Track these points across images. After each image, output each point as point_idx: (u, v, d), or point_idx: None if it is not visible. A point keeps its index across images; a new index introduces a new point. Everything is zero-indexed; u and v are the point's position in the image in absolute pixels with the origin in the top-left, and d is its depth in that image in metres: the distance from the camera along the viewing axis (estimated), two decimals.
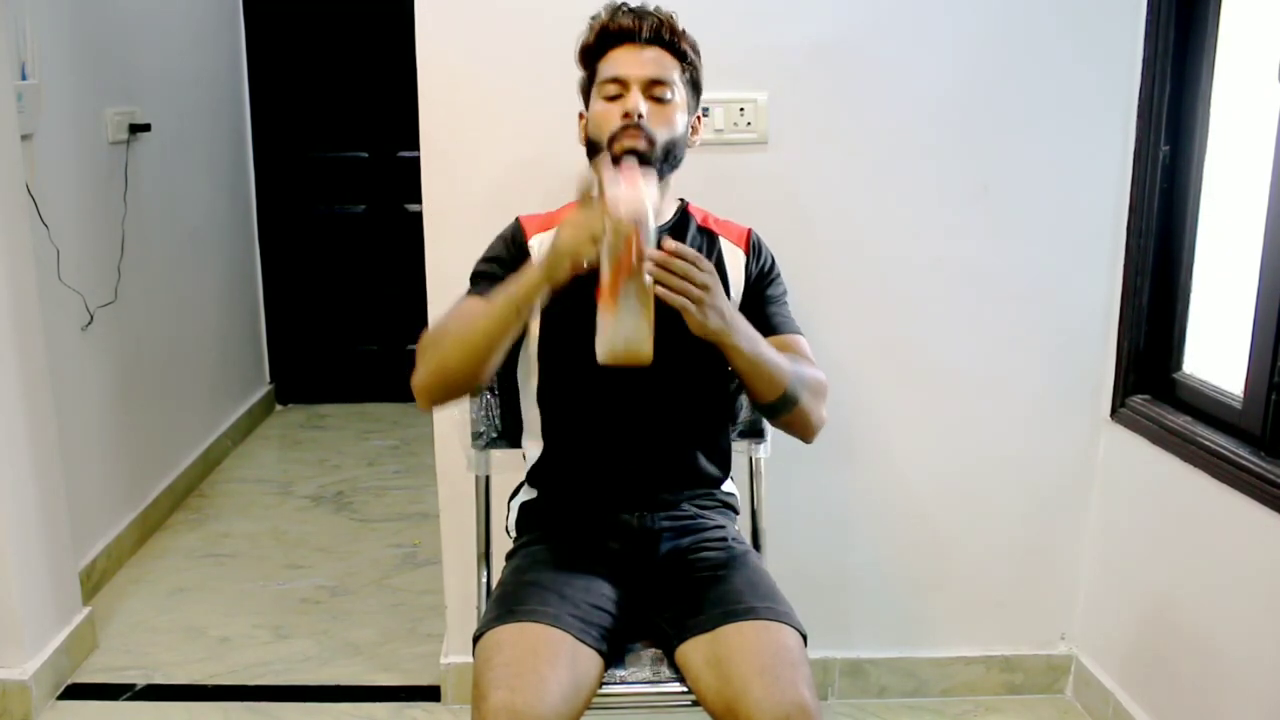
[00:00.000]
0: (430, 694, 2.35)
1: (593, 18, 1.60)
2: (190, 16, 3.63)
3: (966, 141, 2.08)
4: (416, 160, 2.09)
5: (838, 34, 2.02)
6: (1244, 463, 1.76)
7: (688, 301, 1.36)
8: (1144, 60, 2.02)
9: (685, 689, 1.50)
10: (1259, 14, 1.86)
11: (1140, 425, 2.06)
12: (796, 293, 2.13)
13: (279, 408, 4.40)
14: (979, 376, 2.19)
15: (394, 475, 3.66)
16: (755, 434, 1.81)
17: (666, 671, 1.54)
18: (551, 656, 1.40)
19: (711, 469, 1.70)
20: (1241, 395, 1.83)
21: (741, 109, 2.04)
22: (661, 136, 1.53)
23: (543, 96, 2.03)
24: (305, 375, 4.40)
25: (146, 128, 3.11)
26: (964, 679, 2.34)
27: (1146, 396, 2.10)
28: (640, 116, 1.51)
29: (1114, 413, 2.16)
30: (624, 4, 1.60)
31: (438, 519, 2.24)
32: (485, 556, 1.78)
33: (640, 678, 1.55)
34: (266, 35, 4.09)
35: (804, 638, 1.48)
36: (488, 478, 1.80)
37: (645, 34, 1.55)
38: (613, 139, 1.52)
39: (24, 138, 2.37)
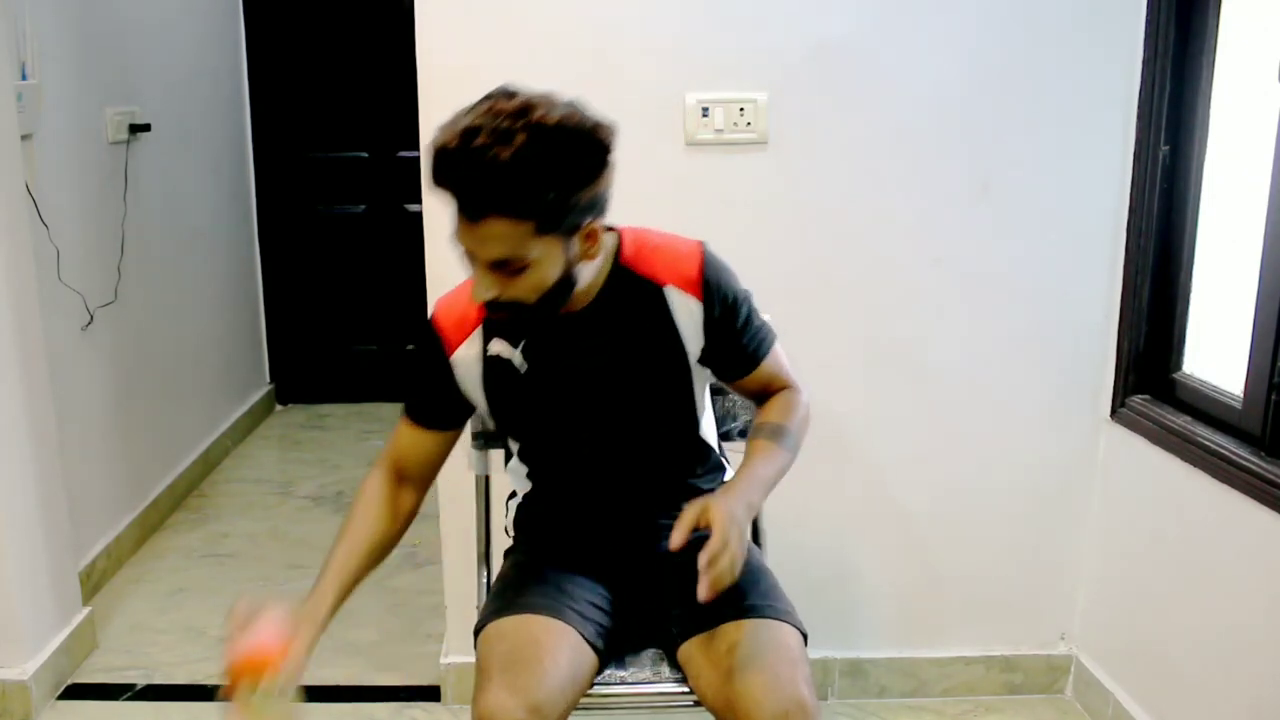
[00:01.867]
0: (430, 694, 2.35)
1: (429, 146, 1.25)
2: (190, 16, 3.63)
3: (966, 141, 2.08)
4: (416, 160, 2.08)
5: (838, 34, 2.02)
6: (1244, 463, 1.76)
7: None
8: (1144, 60, 2.02)
9: (686, 689, 1.50)
10: (1259, 14, 1.86)
11: (1140, 425, 2.06)
12: (796, 293, 2.14)
13: (279, 408, 4.40)
14: (979, 376, 2.19)
15: None
16: None
17: (667, 671, 1.55)
18: (553, 646, 1.42)
19: (702, 481, 1.63)
20: (1241, 395, 1.83)
21: (741, 109, 2.04)
22: (528, 299, 1.32)
23: None
24: (305, 375, 4.40)
25: (146, 128, 3.11)
26: (964, 679, 2.34)
27: (1146, 396, 2.10)
28: (491, 302, 1.32)
29: (1114, 413, 2.16)
30: (455, 148, 1.22)
31: (438, 519, 2.24)
32: (485, 556, 1.78)
33: (641, 677, 1.55)
34: (266, 35, 4.09)
35: (804, 636, 1.48)
36: (487, 478, 1.80)
37: (475, 211, 1.25)
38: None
39: (24, 138, 2.37)
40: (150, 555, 3.05)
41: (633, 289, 1.45)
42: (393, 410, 4.58)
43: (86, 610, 2.52)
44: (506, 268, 1.29)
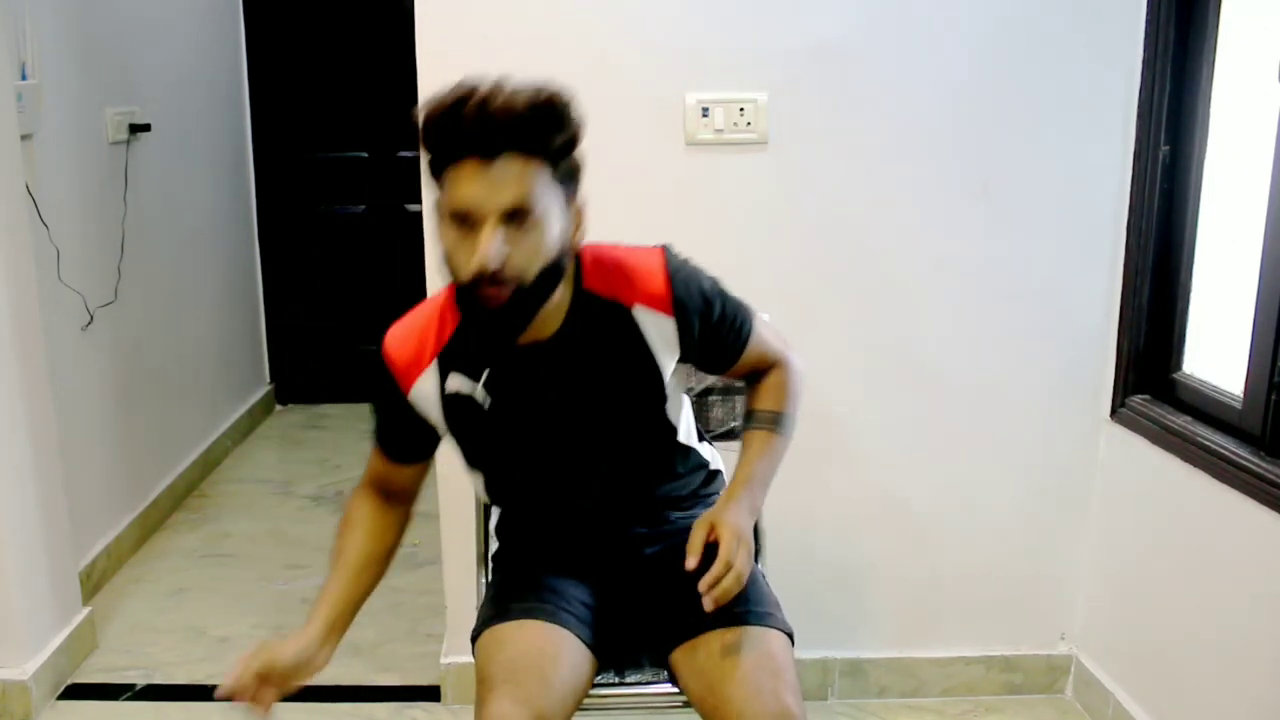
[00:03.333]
0: (430, 694, 2.35)
1: (425, 110, 1.26)
2: (190, 16, 3.63)
3: (966, 141, 2.08)
4: (416, 160, 2.08)
5: (838, 34, 2.02)
6: (1244, 463, 1.76)
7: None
8: (1144, 60, 2.02)
9: (679, 689, 1.50)
10: (1259, 14, 1.86)
11: (1140, 425, 2.06)
12: (796, 293, 2.14)
13: (279, 408, 4.40)
14: (979, 376, 2.19)
15: None
16: None
17: (665, 672, 1.54)
18: (553, 653, 1.41)
19: (680, 486, 1.59)
20: (1241, 395, 1.83)
21: (741, 109, 2.04)
22: (531, 270, 1.26)
23: None
24: (305, 375, 4.40)
25: (146, 128, 3.11)
26: (964, 679, 2.34)
27: (1146, 396, 2.10)
28: (498, 270, 1.23)
29: (1114, 413, 2.16)
30: (461, 97, 1.23)
31: (438, 519, 2.24)
32: (485, 556, 1.78)
33: (639, 679, 1.55)
34: (266, 35, 4.09)
35: (790, 637, 1.47)
36: None
37: (497, 145, 1.22)
38: (470, 288, 1.26)
39: (24, 138, 2.37)
40: (150, 555, 3.05)
41: (598, 313, 1.39)
42: None
43: (86, 610, 2.52)
44: (517, 218, 1.24)
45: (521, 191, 1.23)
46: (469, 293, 1.27)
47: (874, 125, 2.07)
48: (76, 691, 2.37)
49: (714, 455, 1.68)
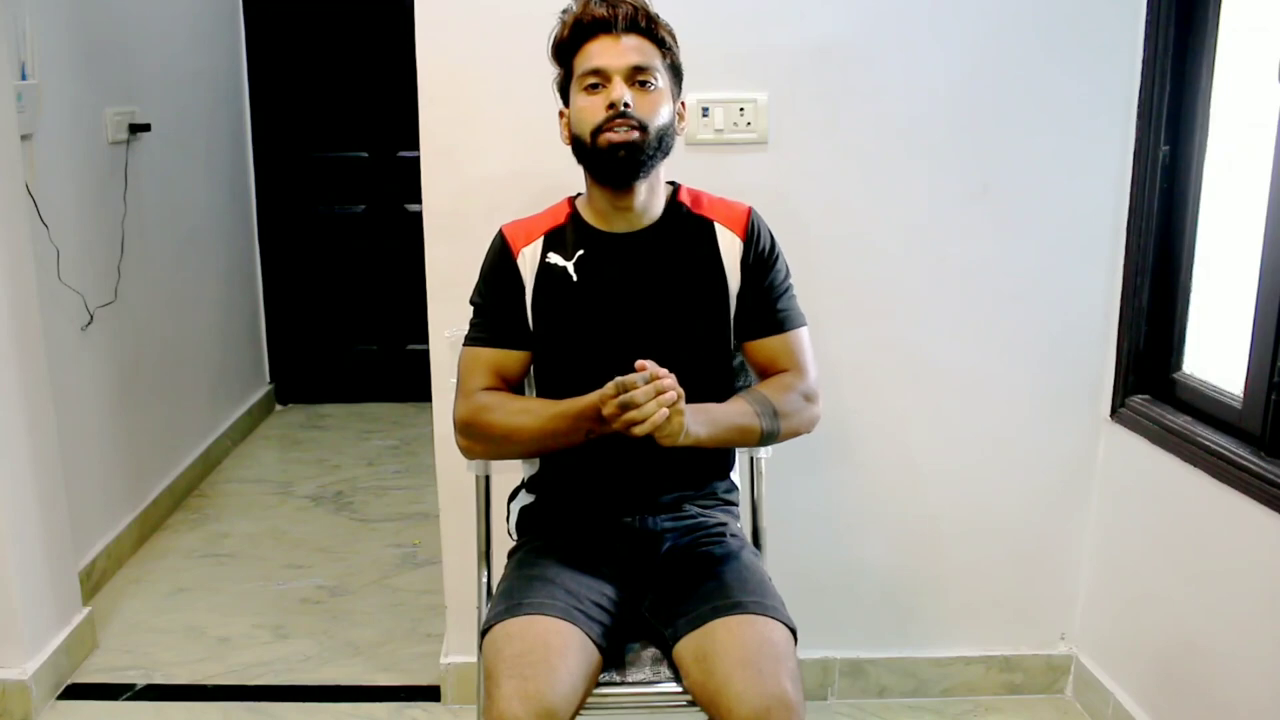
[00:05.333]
0: (430, 694, 2.35)
1: (563, 11, 1.59)
2: (190, 16, 3.63)
3: (967, 141, 2.08)
4: (416, 160, 2.10)
5: (838, 34, 2.02)
6: (1244, 463, 1.76)
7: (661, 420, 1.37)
8: (1144, 60, 2.02)
9: (683, 688, 1.50)
10: (1259, 14, 1.86)
11: (1140, 425, 2.06)
12: (796, 293, 2.13)
13: (279, 408, 4.40)
14: (979, 376, 2.19)
15: (394, 475, 3.66)
16: None
17: (666, 671, 1.55)
18: (561, 647, 1.42)
19: (711, 467, 1.70)
20: (1241, 395, 1.83)
21: (741, 109, 2.04)
22: (652, 122, 1.52)
23: (542, 95, 2.03)
24: (305, 375, 4.40)
25: (146, 128, 3.11)
26: (964, 679, 2.34)
27: (1146, 396, 2.10)
28: (627, 105, 1.50)
29: (1114, 413, 2.16)
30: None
31: (438, 519, 2.24)
32: (485, 556, 1.78)
33: (640, 678, 1.55)
34: (266, 35, 4.09)
35: (794, 632, 1.49)
36: (488, 478, 1.80)
37: (622, 23, 1.53)
38: (600, 130, 1.51)
39: (24, 138, 2.37)
40: (150, 555, 3.05)
41: (685, 222, 1.63)
42: (392, 410, 4.61)
43: (86, 610, 2.52)
44: (640, 76, 1.52)
45: (643, 57, 1.53)
46: (599, 132, 1.51)
47: (874, 125, 2.07)
48: (76, 691, 2.37)
49: (736, 481, 1.78)
